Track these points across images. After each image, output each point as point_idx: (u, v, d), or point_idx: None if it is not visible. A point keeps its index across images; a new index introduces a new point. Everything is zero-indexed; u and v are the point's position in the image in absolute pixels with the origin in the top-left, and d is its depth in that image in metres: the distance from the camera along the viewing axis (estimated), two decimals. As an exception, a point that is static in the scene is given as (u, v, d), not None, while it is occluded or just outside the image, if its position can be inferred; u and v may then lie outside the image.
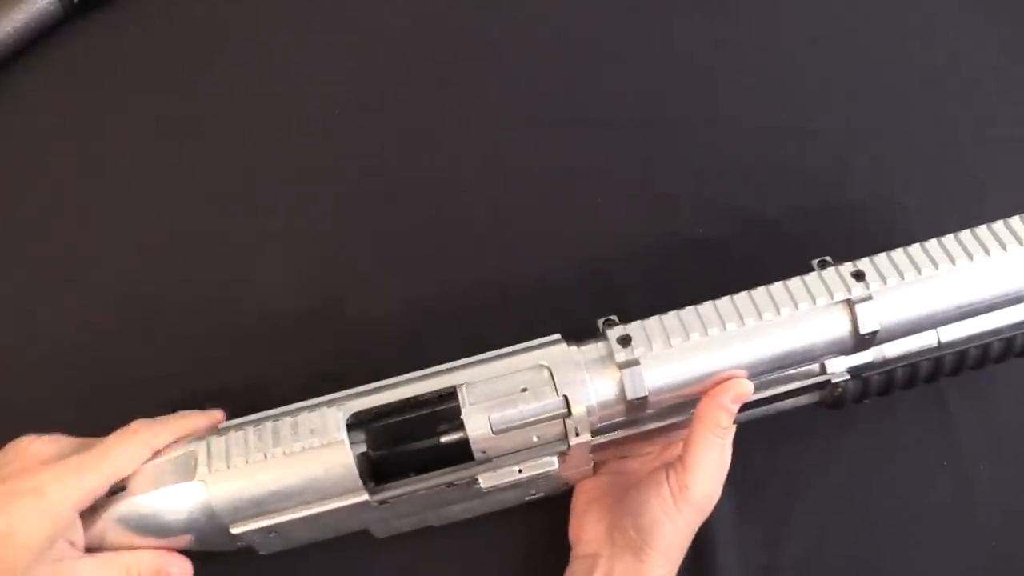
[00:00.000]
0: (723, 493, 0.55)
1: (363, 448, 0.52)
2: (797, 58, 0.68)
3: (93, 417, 0.52)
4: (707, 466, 0.50)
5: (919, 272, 0.51)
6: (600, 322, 0.52)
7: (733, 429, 0.52)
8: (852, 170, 0.66)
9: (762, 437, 0.56)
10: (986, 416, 0.63)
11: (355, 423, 0.51)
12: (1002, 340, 0.53)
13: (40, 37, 0.67)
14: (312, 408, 0.51)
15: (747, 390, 0.51)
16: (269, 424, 0.51)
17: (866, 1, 0.69)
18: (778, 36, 0.68)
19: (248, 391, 0.60)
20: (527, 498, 0.56)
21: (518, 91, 0.67)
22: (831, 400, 0.54)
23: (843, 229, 0.62)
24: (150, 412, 0.53)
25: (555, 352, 0.51)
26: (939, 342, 0.53)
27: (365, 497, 0.49)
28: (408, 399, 0.51)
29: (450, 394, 0.51)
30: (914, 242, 0.65)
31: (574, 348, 0.51)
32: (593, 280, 0.63)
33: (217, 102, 0.68)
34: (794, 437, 0.61)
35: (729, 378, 0.51)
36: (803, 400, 0.54)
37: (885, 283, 0.51)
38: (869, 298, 0.50)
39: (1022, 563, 0.62)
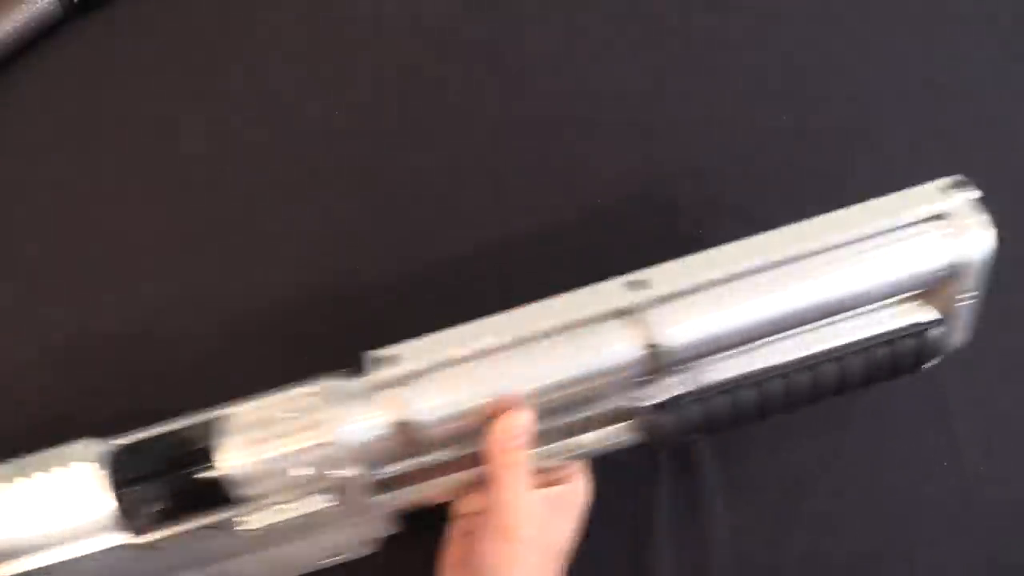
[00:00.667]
0: (722, 492, 0.55)
1: (134, 488, 0.47)
2: (797, 58, 0.68)
3: (91, 412, 0.52)
4: (516, 503, 0.48)
5: (707, 277, 0.47)
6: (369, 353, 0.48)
7: (538, 463, 0.50)
8: (852, 170, 0.66)
9: (762, 437, 0.56)
10: (986, 415, 0.63)
11: (126, 462, 0.47)
12: (835, 363, 0.49)
13: (40, 37, 0.67)
14: (69, 444, 0.47)
15: (519, 422, 0.48)
16: (16, 461, 0.47)
17: (866, 1, 0.69)
18: (778, 36, 0.68)
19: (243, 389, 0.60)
20: (326, 560, 0.51)
21: (518, 91, 0.67)
22: (655, 438, 0.50)
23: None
24: (150, 412, 0.53)
25: (326, 384, 0.48)
26: (761, 366, 0.49)
27: (121, 540, 0.45)
28: (177, 433, 0.48)
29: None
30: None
31: (344, 381, 0.48)
32: (593, 280, 0.63)
33: (217, 102, 0.68)
34: (794, 437, 0.61)
35: (507, 408, 0.48)
36: (624, 438, 0.51)
37: (668, 290, 0.47)
38: (650, 307, 0.47)
39: (1022, 563, 0.62)
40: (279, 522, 0.47)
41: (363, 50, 0.68)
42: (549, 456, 0.51)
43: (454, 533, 0.54)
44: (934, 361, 0.52)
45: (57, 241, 0.65)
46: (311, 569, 0.52)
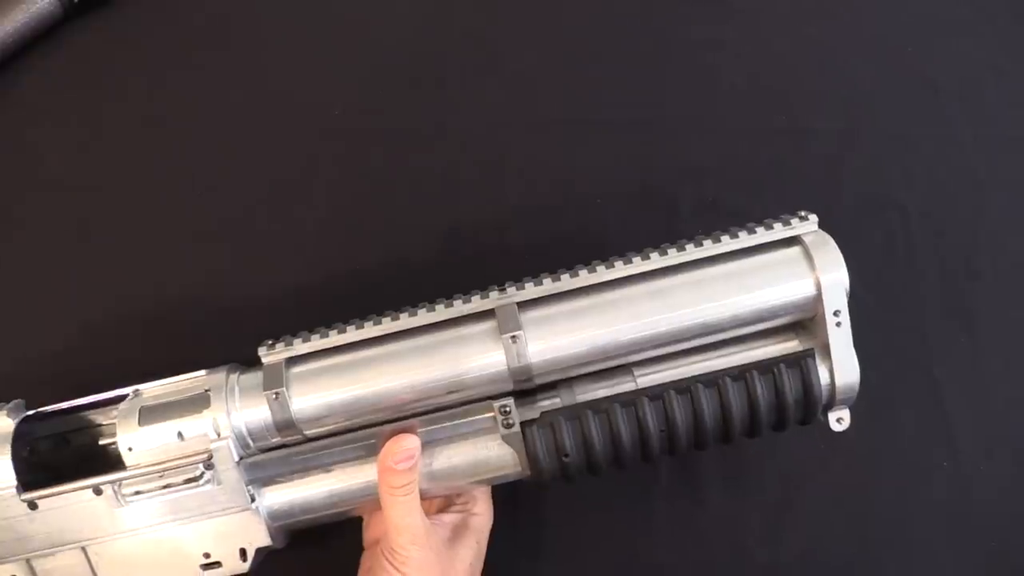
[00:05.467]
0: (721, 490, 0.55)
1: (27, 449, 0.54)
2: (796, 58, 0.68)
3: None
4: (403, 526, 0.50)
5: (561, 281, 0.51)
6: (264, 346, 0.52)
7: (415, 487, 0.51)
8: (852, 170, 0.66)
9: (762, 437, 0.56)
10: (985, 415, 0.63)
11: (32, 425, 0.54)
12: (712, 389, 0.51)
13: (40, 37, 0.67)
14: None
15: (410, 446, 0.50)
16: None
17: (864, 1, 0.69)
18: (777, 36, 0.68)
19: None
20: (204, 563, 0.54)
21: (518, 91, 0.67)
22: (531, 459, 0.51)
23: (843, 229, 0.62)
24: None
25: (217, 376, 0.52)
26: (636, 385, 0.52)
27: (11, 483, 0.51)
28: (91, 405, 0.55)
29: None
30: (915, 243, 0.66)
31: (236, 375, 0.53)
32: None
33: (217, 102, 0.68)
34: (793, 436, 0.61)
35: (398, 433, 0.51)
36: (505, 467, 0.53)
37: (523, 288, 0.51)
38: (512, 305, 0.50)
39: (1021, 563, 0.62)
40: (152, 488, 0.51)
41: (363, 50, 0.68)
42: (432, 480, 0.53)
43: (363, 564, 0.55)
44: (842, 415, 0.52)
45: (56, 239, 0.66)
46: None
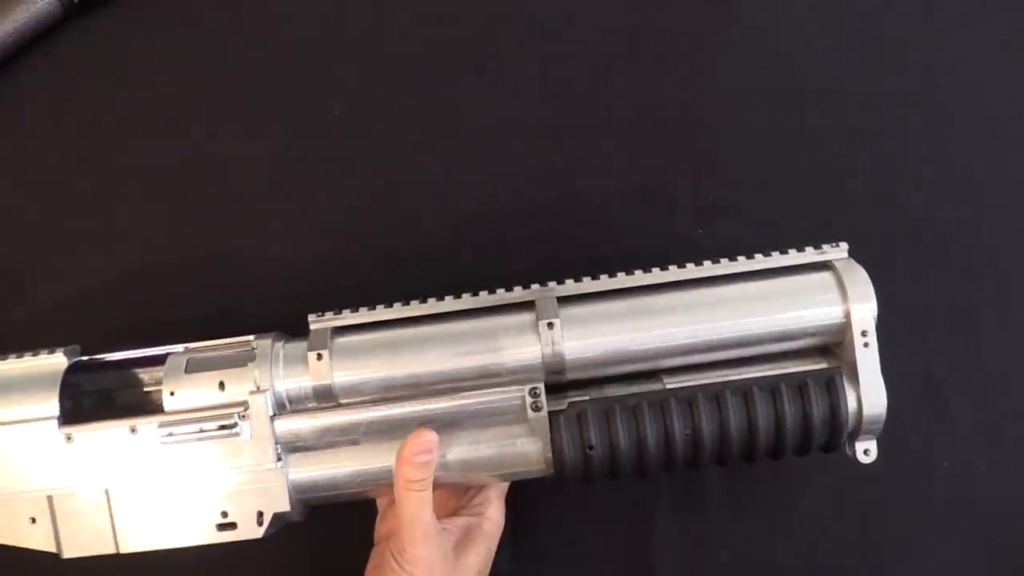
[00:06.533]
0: (722, 492, 0.55)
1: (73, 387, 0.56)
2: (796, 58, 0.68)
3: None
4: (413, 523, 0.50)
5: (601, 281, 0.53)
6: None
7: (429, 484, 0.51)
8: (852, 170, 0.66)
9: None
10: (985, 415, 0.63)
11: (82, 369, 0.56)
12: (740, 398, 0.52)
13: (40, 37, 0.67)
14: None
15: (428, 439, 0.51)
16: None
17: (866, 1, 0.69)
18: (777, 36, 0.68)
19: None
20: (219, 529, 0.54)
21: (518, 91, 0.67)
22: (556, 451, 0.52)
23: (843, 229, 0.62)
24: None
25: (264, 341, 0.55)
26: (664, 386, 0.53)
27: (54, 413, 0.53)
28: (140, 360, 0.57)
29: None
30: (915, 243, 0.66)
31: (281, 342, 0.55)
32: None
33: (217, 102, 0.68)
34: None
35: (420, 428, 0.52)
36: (530, 462, 0.53)
37: (564, 284, 0.53)
38: (552, 298, 0.52)
39: (1022, 563, 0.62)
40: (188, 432, 0.53)
41: (363, 50, 0.68)
42: (454, 468, 0.53)
43: (372, 560, 0.55)
44: (868, 445, 0.52)
45: (56, 239, 0.66)
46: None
